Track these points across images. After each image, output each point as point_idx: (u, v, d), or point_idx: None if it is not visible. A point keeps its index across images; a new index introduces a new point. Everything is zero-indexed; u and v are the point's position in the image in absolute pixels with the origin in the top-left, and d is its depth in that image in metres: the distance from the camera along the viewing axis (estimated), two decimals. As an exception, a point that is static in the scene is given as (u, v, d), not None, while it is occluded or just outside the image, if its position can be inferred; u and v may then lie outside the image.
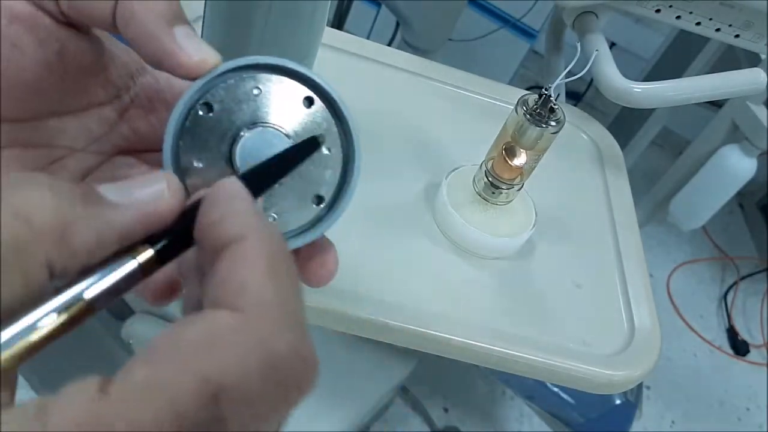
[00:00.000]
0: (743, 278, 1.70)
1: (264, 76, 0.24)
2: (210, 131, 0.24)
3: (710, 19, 0.66)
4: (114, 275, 0.18)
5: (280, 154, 0.23)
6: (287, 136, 0.24)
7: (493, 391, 1.27)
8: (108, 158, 0.26)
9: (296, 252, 0.24)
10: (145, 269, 0.19)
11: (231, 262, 0.18)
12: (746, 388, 1.48)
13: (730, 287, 1.67)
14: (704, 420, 1.38)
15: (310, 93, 0.24)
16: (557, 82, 0.48)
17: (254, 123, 0.24)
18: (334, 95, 0.24)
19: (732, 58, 1.11)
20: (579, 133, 0.71)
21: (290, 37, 0.45)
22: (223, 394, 0.14)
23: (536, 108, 0.49)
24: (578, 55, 0.50)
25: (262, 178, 0.22)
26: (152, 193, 0.20)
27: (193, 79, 0.23)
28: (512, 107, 0.50)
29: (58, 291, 0.17)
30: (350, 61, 0.66)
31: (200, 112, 0.23)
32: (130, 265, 0.18)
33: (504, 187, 0.53)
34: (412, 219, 0.54)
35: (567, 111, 0.51)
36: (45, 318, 0.16)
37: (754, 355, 1.55)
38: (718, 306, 1.64)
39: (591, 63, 0.57)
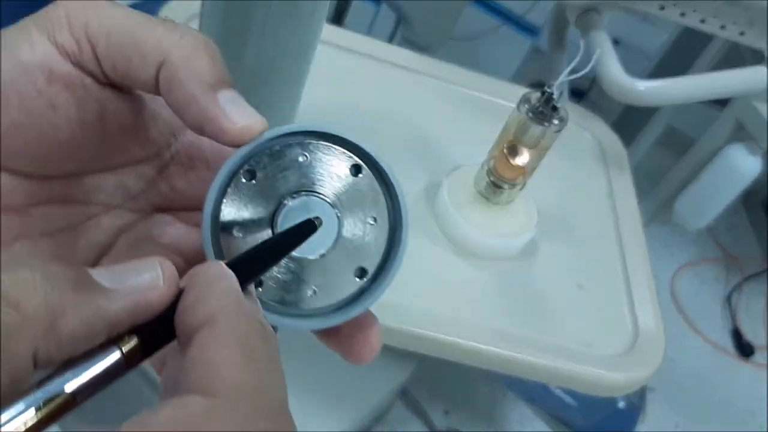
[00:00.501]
0: (748, 279, 1.69)
1: (311, 143, 0.23)
2: (252, 199, 0.23)
3: (714, 17, 0.65)
4: (97, 367, 0.18)
5: (272, 239, 0.23)
6: (332, 204, 0.23)
7: (494, 394, 1.26)
8: (145, 216, 0.25)
9: (338, 327, 0.24)
10: (129, 361, 0.18)
11: (202, 345, 0.17)
12: (751, 389, 1.47)
13: (735, 288, 1.66)
14: (709, 422, 1.37)
15: (358, 161, 0.24)
16: (560, 79, 0.47)
17: (299, 191, 0.23)
18: (382, 164, 0.24)
19: (736, 56, 1.11)
20: (582, 131, 0.70)
21: (289, 36, 0.44)
22: None
23: (539, 106, 0.48)
24: (581, 52, 0.49)
25: (253, 263, 0.21)
26: (147, 280, 0.19)
27: (238, 145, 0.22)
28: (514, 105, 0.50)
29: (39, 383, 0.16)
30: (349, 58, 0.65)
31: (243, 179, 0.23)
32: (114, 356, 0.18)
33: (506, 186, 0.52)
34: (413, 219, 0.53)
35: (570, 109, 0.50)
36: (24, 414, 0.16)
37: (758, 356, 1.54)
38: (722, 307, 1.63)
39: (594, 60, 0.56)
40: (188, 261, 0.24)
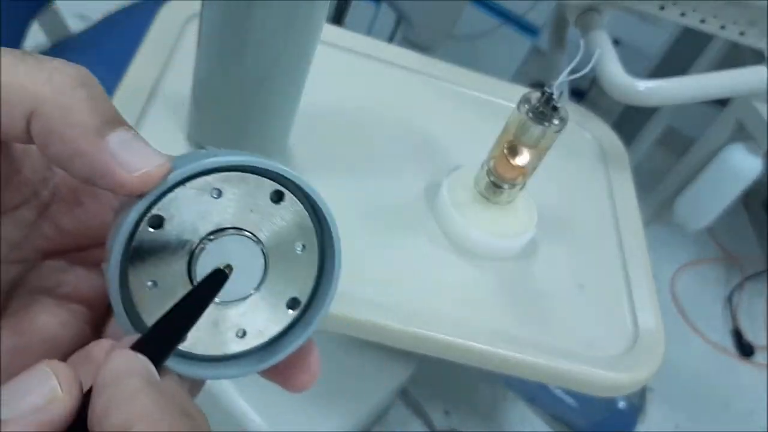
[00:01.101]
0: (748, 279, 1.69)
1: (222, 176, 0.20)
2: (163, 248, 0.20)
3: (714, 17, 0.65)
4: None
5: (180, 303, 0.20)
6: (255, 239, 0.21)
7: (494, 394, 1.26)
8: (33, 265, 0.22)
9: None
10: None
11: None
12: (751, 390, 1.47)
13: (735, 288, 1.66)
14: (709, 423, 1.37)
15: (278, 187, 0.21)
16: (560, 79, 0.47)
17: (216, 231, 0.21)
18: (305, 186, 0.21)
19: (736, 56, 1.10)
20: (582, 131, 0.70)
21: (289, 36, 0.44)
22: None
23: (539, 106, 0.48)
24: (581, 52, 0.49)
25: (167, 334, 0.19)
26: (43, 395, 0.16)
27: (140, 196, 0.19)
28: (514, 105, 0.49)
29: None
30: (349, 58, 0.65)
31: (150, 229, 0.20)
32: None
33: (506, 186, 0.52)
34: (413, 219, 0.53)
35: (570, 109, 0.50)
36: None
37: (759, 356, 1.54)
38: (722, 307, 1.63)
39: (594, 60, 0.56)
40: (93, 307, 0.22)
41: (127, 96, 0.51)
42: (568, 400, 0.96)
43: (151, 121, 0.51)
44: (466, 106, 0.66)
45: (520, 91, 0.51)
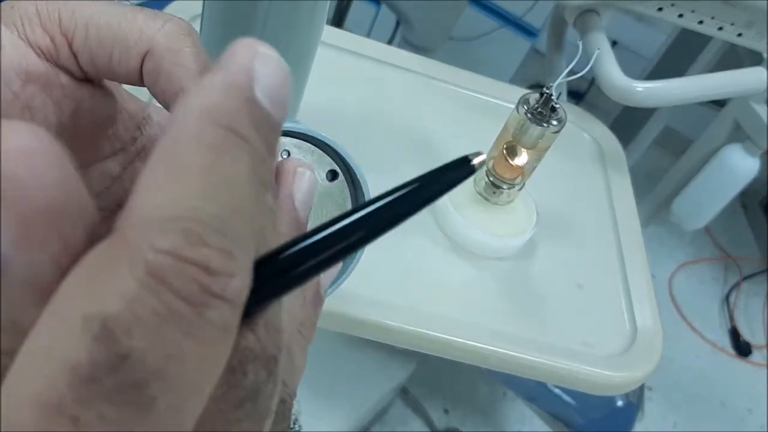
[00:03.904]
0: (746, 279, 1.69)
1: (295, 142, 0.23)
2: None
3: (712, 18, 0.66)
4: None
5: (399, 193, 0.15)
6: None
7: (493, 392, 1.27)
8: (109, 214, 0.23)
9: None
10: None
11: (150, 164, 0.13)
12: (748, 388, 1.47)
13: (733, 288, 1.67)
14: (706, 421, 1.38)
15: (336, 168, 0.24)
16: (558, 80, 0.48)
17: None
18: (358, 173, 0.24)
19: (734, 58, 1.11)
20: (580, 132, 0.71)
21: (290, 38, 0.44)
22: (111, 323, 0.11)
23: (537, 107, 0.49)
24: (580, 53, 0.50)
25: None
26: None
27: None
28: (513, 106, 0.50)
29: None
30: (350, 59, 0.65)
31: None
32: None
33: (505, 186, 0.52)
34: (412, 219, 0.53)
35: (568, 110, 0.51)
36: None
37: (756, 355, 1.55)
38: (720, 306, 1.63)
39: (593, 62, 0.57)
40: None
41: (129, 97, 0.51)
42: (567, 398, 0.97)
43: (153, 122, 0.51)
44: (466, 107, 0.67)
45: (519, 92, 0.51)
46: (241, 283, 0.12)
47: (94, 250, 0.12)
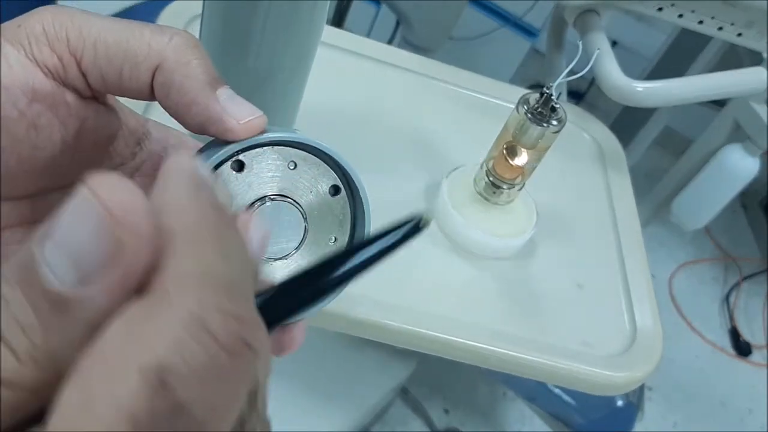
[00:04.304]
0: (746, 279, 1.69)
1: (302, 155, 0.24)
2: (233, 190, 0.23)
3: (712, 18, 0.66)
4: None
5: (374, 238, 0.21)
6: (304, 217, 0.24)
7: (494, 393, 1.27)
8: None
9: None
10: None
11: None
12: (748, 389, 1.47)
13: (733, 288, 1.67)
14: (706, 421, 1.38)
15: (338, 183, 0.25)
16: (558, 80, 0.48)
17: (277, 195, 0.24)
18: (360, 190, 0.24)
19: (734, 57, 1.11)
20: (580, 132, 0.71)
21: (290, 38, 0.44)
22: (167, 375, 0.12)
23: (537, 107, 0.49)
24: (580, 53, 0.49)
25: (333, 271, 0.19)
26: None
27: (238, 140, 0.22)
28: (513, 106, 0.50)
29: None
30: (350, 59, 0.65)
31: (231, 169, 0.23)
32: None
33: (505, 186, 0.52)
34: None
35: (568, 110, 0.51)
36: None
37: (756, 356, 1.55)
38: (720, 307, 1.63)
39: (593, 62, 0.57)
40: None
41: (129, 97, 0.51)
42: (567, 398, 0.97)
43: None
44: (466, 107, 0.67)
45: (519, 92, 0.51)
46: (265, 334, 0.14)
47: (132, 304, 0.13)
